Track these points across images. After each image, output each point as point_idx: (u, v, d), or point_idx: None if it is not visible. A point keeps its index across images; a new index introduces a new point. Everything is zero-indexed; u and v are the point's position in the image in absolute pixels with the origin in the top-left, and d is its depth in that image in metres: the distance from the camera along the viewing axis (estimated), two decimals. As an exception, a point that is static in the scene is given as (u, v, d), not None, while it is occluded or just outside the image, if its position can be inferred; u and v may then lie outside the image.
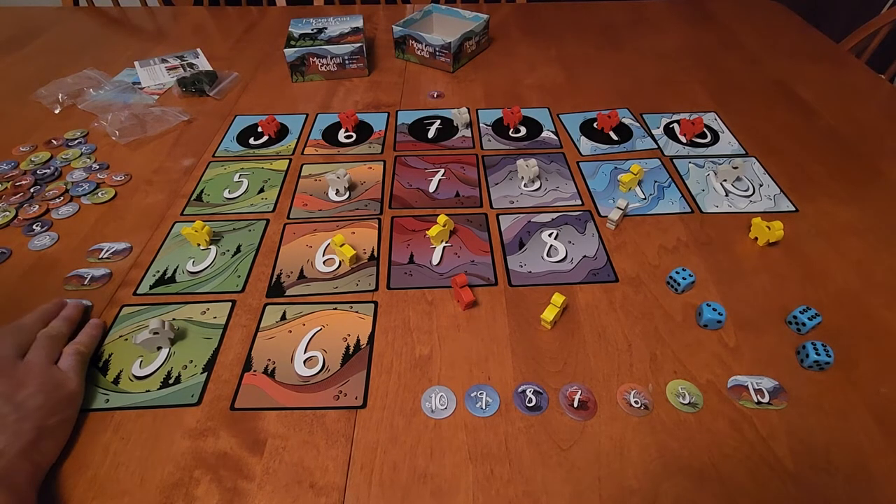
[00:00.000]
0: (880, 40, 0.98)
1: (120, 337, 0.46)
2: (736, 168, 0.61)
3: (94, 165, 0.66)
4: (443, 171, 0.65)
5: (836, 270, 0.51)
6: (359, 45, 0.82)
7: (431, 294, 0.49)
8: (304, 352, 0.44)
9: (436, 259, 0.53)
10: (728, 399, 0.41)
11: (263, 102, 0.79)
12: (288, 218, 0.58)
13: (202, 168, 0.66)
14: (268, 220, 0.58)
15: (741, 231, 0.56)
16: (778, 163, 0.65)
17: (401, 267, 0.52)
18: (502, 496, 0.36)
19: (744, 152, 0.68)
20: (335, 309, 0.48)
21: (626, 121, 0.74)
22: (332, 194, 0.61)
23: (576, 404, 0.40)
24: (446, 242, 0.55)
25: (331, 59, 0.82)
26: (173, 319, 0.47)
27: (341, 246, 0.52)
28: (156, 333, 0.43)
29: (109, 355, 0.44)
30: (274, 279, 0.51)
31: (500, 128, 0.73)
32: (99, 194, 0.61)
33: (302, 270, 0.52)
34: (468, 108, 0.75)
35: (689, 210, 0.59)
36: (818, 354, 0.42)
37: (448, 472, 0.37)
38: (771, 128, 0.72)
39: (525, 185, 0.62)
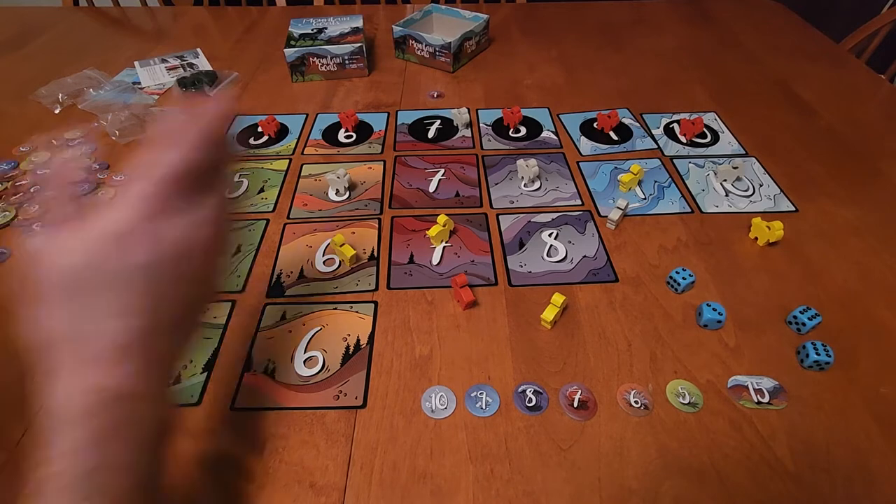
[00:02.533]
0: (880, 40, 0.98)
1: (120, 337, 0.46)
2: (736, 168, 0.61)
3: (94, 165, 0.66)
4: (443, 171, 0.65)
5: (836, 270, 0.51)
6: (359, 45, 0.82)
7: (431, 294, 0.49)
8: (304, 352, 0.44)
9: (436, 259, 0.53)
10: (728, 399, 0.41)
11: (263, 102, 0.79)
12: (288, 218, 0.58)
13: (202, 168, 0.66)
14: (268, 220, 0.58)
15: (741, 231, 0.56)
16: (778, 163, 0.65)
17: (401, 267, 0.52)
18: (502, 496, 0.36)
19: (744, 152, 0.68)
20: (335, 309, 0.48)
21: (626, 121, 0.74)
22: (332, 194, 0.61)
23: (576, 404, 0.40)
24: (446, 242, 0.55)
25: (331, 59, 0.82)
26: (173, 319, 0.47)
27: (341, 246, 0.52)
28: (156, 333, 0.43)
29: (109, 355, 0.44)
30: (274, 279, 0.51)
31: (500, 128, 0.73)
32: (99, 194, 0.61)
33: (302, 270, 0.52)
34: (468, 108, 0.75)
35: (689, 210, 0.59)
36: (818, 354, 0.42)
37: (448, 472, 0.37)
38: (771, 128, 0.72)
39: (525, 185, 0.62)
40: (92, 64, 0.87)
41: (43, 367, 0.25)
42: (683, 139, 0.70)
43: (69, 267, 0.26)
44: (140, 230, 0.26)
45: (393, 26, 0.87)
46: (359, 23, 0.89)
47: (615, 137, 0.70)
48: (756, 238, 0.54)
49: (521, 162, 0.61)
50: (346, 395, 0.41)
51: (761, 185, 0.62)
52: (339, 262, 0.53)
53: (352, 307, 0.48)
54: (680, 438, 0.39)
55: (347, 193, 0.61)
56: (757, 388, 0.41)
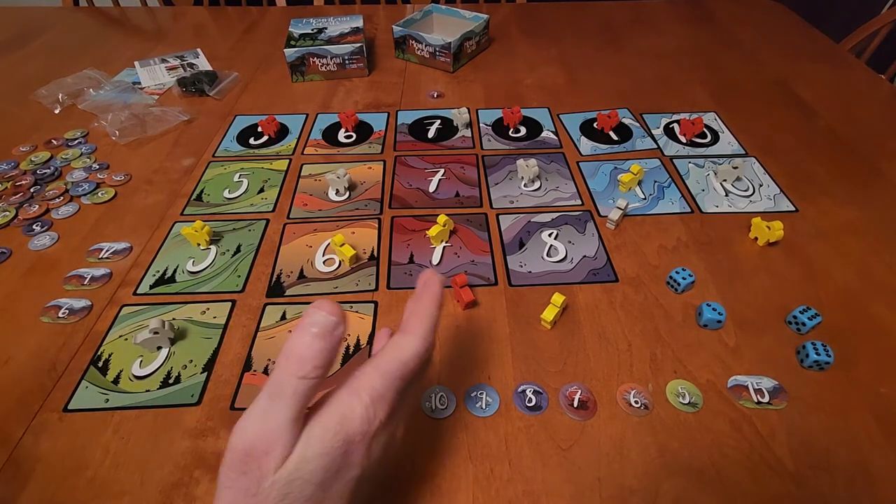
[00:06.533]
0: (880, 40, 0.98)
1: (120, 337, 0.46)
2: (736, 168, 0.61)
3: (94, 165, 0.66)
4: (443, 170, 0.65)
5: (836, 270, 0.51)
6: (359, 45, 0.82)
7: (431, 294, 0.49)
8: (304, 352, 0.44)
9: (436, 259, 0.53)
10: (728, 399, 0.41)
11: (263, 102, 0.79)
12: (288, 218, 0.58)
13: (202, 168, 0.66)
14: (268, 220, 0.58)
15: (741, 231, 0.56)
16: (778, 163, 0.65)
17: (401, 267, 0.52)
18: (502, 496, 0.36)
19: (744, 152, 0.68)
20: (335, 309, 0.48)
21: (626, 121, 0.74)
22: (332, 194, 0.61)
23: (576, 404, 0.40)
24: (446, 242, 0.55)
25: (331, 59, 0.82)
26: (173, 319, 0.47)
27: (341, 246, 0.52)
28: (156, 333, 0.43)
29: (109, 355, 0.44)
30: (274, 279, 0.51)
31: (500, 128, 0.73)
32: (99, 194, 0.61)
33: (302, 270, 0.52)
34: (468, 108, 0.75)
35: (689, 210, 0.59)
36: (818, 354, 0.42)
37: (448, 472, 0.37)
38: (771, 128, 0.72)
39: (525, 185, 0.62)
40: (92, 64, 0.87)
41: None
42: (683, 139, 0.70)
43: (292, 469, 0.23)
44: (367, 434, 0.25)
45: (393, 26, 0.87)
46: (359, 23, 0.89)
47: (615, 137, 0.70)
48: (756, 238, 0.54)
49: (521, 162, 0.61)
50: (346, 395, 0.41)
51: (761, 185, 0.62)
52: (339, 262, 0.53)
53: (352, 307, 0.48)
54: (680, 438, 0.39)
55: (347, 193, 0.61)
56: (757, 388, 0.41)
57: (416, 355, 0.27)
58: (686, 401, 0.41)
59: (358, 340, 0.45)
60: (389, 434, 0.27)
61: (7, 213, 0.58)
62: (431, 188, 0.62)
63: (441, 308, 0.30)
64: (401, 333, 0.28)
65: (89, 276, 0.51)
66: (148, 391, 0.42)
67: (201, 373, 0.43)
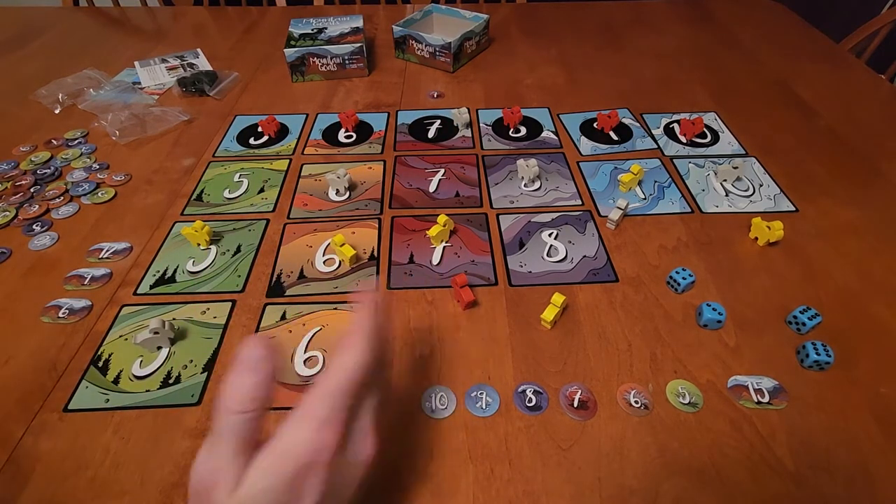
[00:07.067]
0: (880, 40, 0.98)
1: (120, 337, 0.46)
2: (736, 168, 0.61)
3: (94, 165, 0.66)
4: (443, 170, 0.65)
5: (836, 270, 0.51)
6: (359, 45, 0.82)
7: (431, 294, 0.49)
8: (305, 351, 0.44)
9: (436, 259, 0.53)
10: (728, 399, 0.41)
11: (263, 102, 0.79)
12: (288, 218, 0.58)
13: (202, 168, 0.66)
14: (268, 220, 0.58)
15: (741, 231, 0.56)
16: (778, 163, 0.65)
17: (401, 267, 0.52)
18: (502, 496, 0.36)
19: (744, 152, 0.68)
20: (335, 309, 0.48)
21: (626, 121, 0.74)
22: (332, 194, 0.61)
23: (576, 404, 0.40)
24: (446, 242, 0.55)
25: (331, 59, 0.82)
26: (173, 319, 0.47)
27: (341, 246, 0.52)
28: (156, 333, 0.43)
29: (109, 355, 0.44)
30: (274, 279, 0.51)
31: (500, 128, 0.73)
32: (99, 194, 0.61)
33: (302, 270, 0.52)
34: (468, 108, 0.75)
35: (689, 210, 0.59)
36: (818, 354, 0.42)
37: (448, 472, 0.37)
38: (771, 128, 0.72)
39: (525, 185, 0.62)
40: (92, 64, 0.87)
41: None
42: (683, 139, 0.70)
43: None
44: (318, 463, 0.25)
45: (393, 26, 0.87)
46: (359, 23, 0.89)
47: (615, 137, 0.70)
48: (756, 238, 0.54)
49: (521, 162, 0.61)
50: (346, 395, 0.41)
51: (761, 185, 0.62)
52: (339, 262, 0.53)
53: (352, 307, 0.48)
54: (680, 438, 0.39)
55: (347, 193, 0.61)
56: (757, 387, 0.41)
57: (358, 367, 0.27)
58: (686, 401, 0.41)
59: (358, 340, 0.45)
60: (347, 456, 0.27)
61: (7, 213, 0.58)
62: (431, 188, 0.62)
63: (377, 315, 0.30)
64: (340, 351, 0.29)
65: (89, 276, 0.51)
66: (148, 391, 0.42)
67: (201, 373, 0.43)
